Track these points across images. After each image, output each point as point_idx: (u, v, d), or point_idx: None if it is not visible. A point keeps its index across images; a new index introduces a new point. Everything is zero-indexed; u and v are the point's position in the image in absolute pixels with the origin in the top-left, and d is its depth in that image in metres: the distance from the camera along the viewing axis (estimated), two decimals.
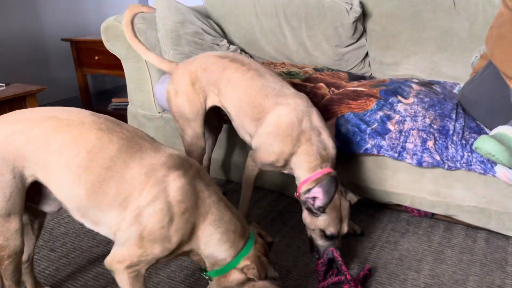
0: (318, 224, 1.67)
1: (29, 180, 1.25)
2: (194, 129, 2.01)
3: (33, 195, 1.34)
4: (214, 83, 1.93)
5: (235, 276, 1.38)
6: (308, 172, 1.72)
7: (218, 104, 1.97)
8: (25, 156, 1.21)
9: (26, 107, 2.66)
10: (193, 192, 1.28)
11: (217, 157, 2.55)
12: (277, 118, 1.77)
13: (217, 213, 1.32)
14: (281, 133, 1.75)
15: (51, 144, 1.22)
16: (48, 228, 2.10)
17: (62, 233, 2.06)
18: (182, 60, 2.30)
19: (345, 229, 1.70)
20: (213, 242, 1.32)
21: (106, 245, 1.95)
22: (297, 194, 1.75)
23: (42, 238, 2.01)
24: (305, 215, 1.71)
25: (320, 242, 1.71)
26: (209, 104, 1.98)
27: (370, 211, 2.26)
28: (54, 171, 1.23)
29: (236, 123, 1.95)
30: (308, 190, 1.65)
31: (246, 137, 1.95)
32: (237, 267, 1.37)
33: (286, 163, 1.79)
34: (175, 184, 1.25)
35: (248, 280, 1.38)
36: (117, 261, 1.26)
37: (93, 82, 4.04)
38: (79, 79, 3.69)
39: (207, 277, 1.42)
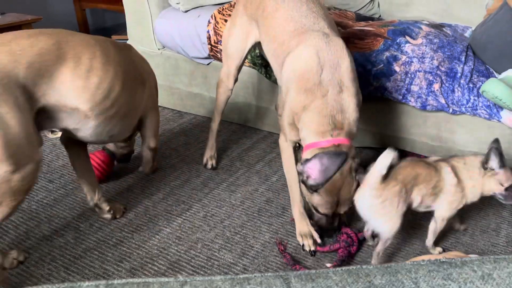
0: (310, 199, 1.44)
1: None
2: (228, 66, 1.87)
3: None
4: (256, 13, 1.66)
5: None
6: (317, 136, 1.38)
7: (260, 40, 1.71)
8: None
9: None
10: None
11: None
12: (295, 61, 1.43)
13: None
14: (296, 79, 1.40)
15: None
16: (47, 160, 2.10)
17: (60, 166, 2.06)
18: None
19: (341, 210, 1.43)
20: None
21: (104, 179, 1.95)
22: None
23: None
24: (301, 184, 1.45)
25: (315, 212, 1.49)
26: (252, 40, 1.75)
27: (369, 154, 2.25)
28: None
29: (271, 64, 1.65)
30: (306, 161, 1.36)
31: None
32: None
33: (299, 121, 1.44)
34: None
35: None
36: None
37: (93, 18, 3.92)
38: (77, 13, 3.58)
39: None
